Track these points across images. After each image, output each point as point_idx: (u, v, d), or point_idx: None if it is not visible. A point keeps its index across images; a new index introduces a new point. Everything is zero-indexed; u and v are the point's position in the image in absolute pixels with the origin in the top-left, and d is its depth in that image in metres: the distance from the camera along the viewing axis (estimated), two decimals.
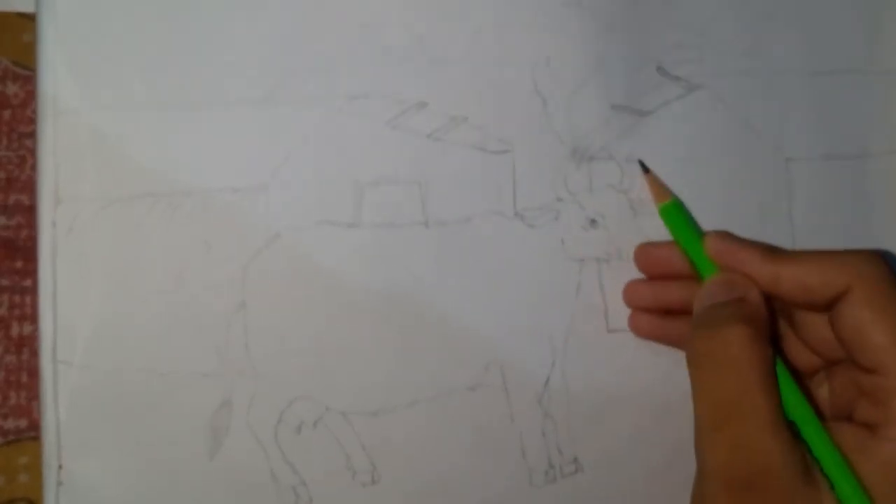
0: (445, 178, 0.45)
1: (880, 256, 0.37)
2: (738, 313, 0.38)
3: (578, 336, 0.45)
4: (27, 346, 0.45)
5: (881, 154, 0.47)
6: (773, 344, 0.38)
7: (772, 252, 0.39)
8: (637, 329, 0.45)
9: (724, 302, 0.39)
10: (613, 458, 0.45)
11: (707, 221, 0.45)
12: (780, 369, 0.38)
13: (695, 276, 0.42)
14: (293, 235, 0.44)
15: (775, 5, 0.47)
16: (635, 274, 0.45)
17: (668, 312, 0.44)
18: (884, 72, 0.47)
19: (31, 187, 0.46)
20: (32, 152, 0.46)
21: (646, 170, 0.45)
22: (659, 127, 0.46)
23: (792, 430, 0.36)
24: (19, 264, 0.46)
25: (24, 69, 0.46)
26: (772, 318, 0.39)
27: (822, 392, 0.41)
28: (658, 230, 0.45)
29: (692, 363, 0.38)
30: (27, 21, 0.46)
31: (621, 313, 0.45)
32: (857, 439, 0.36)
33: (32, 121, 0.46)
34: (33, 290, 0.45)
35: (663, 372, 0.45)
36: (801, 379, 0.41)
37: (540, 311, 0.45)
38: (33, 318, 0.45)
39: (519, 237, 0.45)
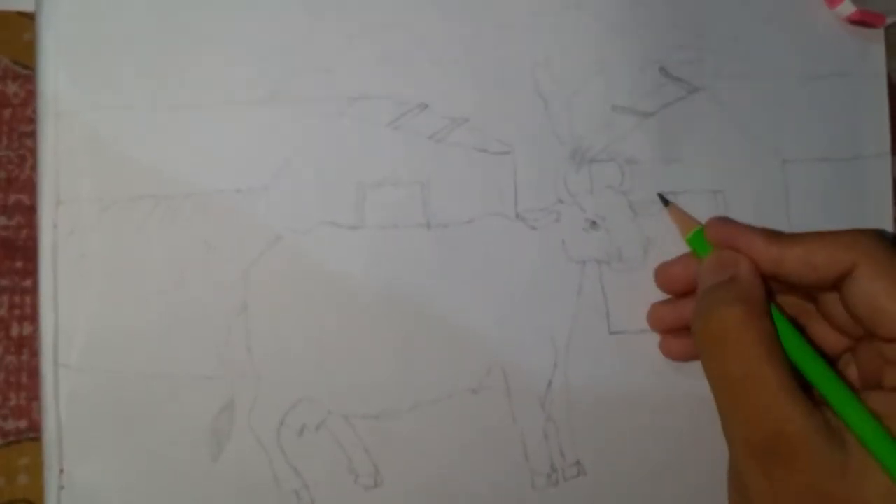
0: (447, 180, 0.45)
1: (881, 232, 0.38)
2: (729, 294, 0.38)
3: (580, 338, 0.45)
4: (27, 346, 0.45)
5: (874, 156, 0.47)
6: (796, 325, 0.40)
7: (774, 234, 0.40)
8: (670, 353, 0.45)
9: (715, 285, 0.39)
10: (616, 460, 0.45)
11: (701, 219, 0.44)
12: (793, 336, 0.38)
13: None
14: (295, 237, 0.44)
15: (772, 9, 0.47)
16: (636, 276, 0.45)
17: None
18: (875, 76, 0.48)
19: (31, 187, 0.46)
20: (33, 152, 0.46)
21: (666, 202, 0.45)
22: (659, 128, 0.46)
23: (812, 397, 0.36)
24: (19, 264, 0.46)
25: (24, 68, 0.46)
26: (770, 293, 0.40)
27: (852, 370, 0.41)
28: (658, 231, 0.45)
29: (698, 349, 0.39)
30: (27, 20, 0.46)
31: (623, 315, 0.45)
32: (888, 403, 0.36)
33: (33, 120, 0.46)
34: (33, 291, 0.45)
35: (665, 373, 0.45)
36: (831, 360, 0.41)
37: (541, 313, 0.45)
38: (33, 318, 0.45)
39: (520, 239, 0.45)
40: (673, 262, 0.44)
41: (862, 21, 0.47)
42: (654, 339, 0.45)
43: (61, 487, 0.42)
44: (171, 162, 0.44)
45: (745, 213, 0.44)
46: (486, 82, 0.46)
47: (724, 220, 0.42)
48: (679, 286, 0.44)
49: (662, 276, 0.44)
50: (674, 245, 0.45)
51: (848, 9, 0.47)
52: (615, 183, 0.45)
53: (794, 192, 0.47)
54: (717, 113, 0.46)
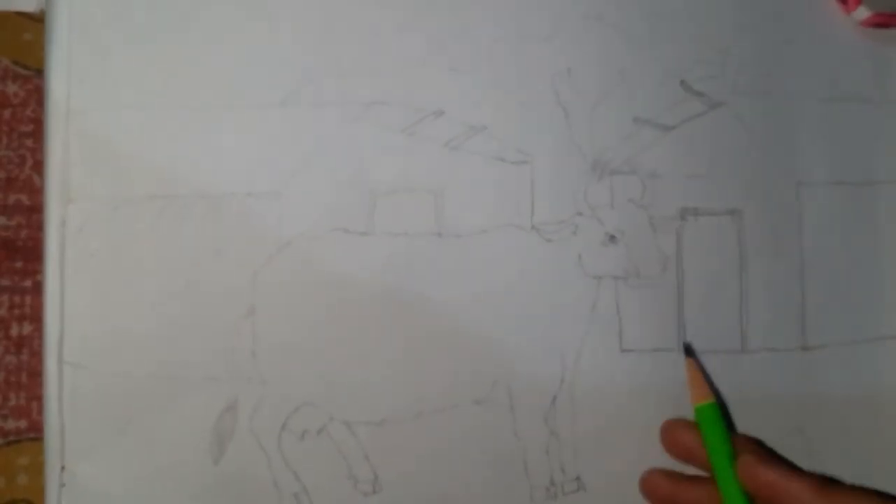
0: (461, 188, 0.46)
1: None
2: None
3: (591, 355, 0.46)
4: (27, 346, 0.46)
5: (888, 182, 0.48)
6: None
7: (826, 485, 0.38)
8: None
9: None
10: (616, 479, 0.46)
11: (719, 238, 0.47)
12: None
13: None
14: (305, 242, 0.46)
15: (795, 30, 0.49)
16: (653, 293, 0.46)
17: None
18: (893, 102, 0.49)
19: (30, 187, 0.46)
20: (32, 152, 0.47)
21: (689, 353, 0.45)
22: (681, 142, 0.47)
23: None
24: (19, 264, 0.47)
25: (24, 69, 0.47)
26: None
27: None
28: (676, 248, 0.46)
29: None
30: (27, 20, 0.47)
31: (636, 333, 0.46)
32: None
33: (32, 120, 0.47)
34: (33, 291, 0.46)
35: (674, 395, 0.46)
36: None
37: (552, 328, 0.46)
38: (33, 318, 0.46)
39: (535, 251, 0.46)
40: (685, 425, 0.44)
41: (879, 23, 0.48)
42: (666, 359, 0.46)
43: (62, 485, 0.44)
44: (182, 163, 0.46)
45: (759, 234, 0.46)
46: (506, 90, 0.47)
47: (761, 458, 0.40)
48: (683, 453, 0.44)
49: (669, 437, 0.44)
50: (693, 263, 0.46)
51: (863, 13, 0.48)
52: (636, 196, 0.47)
53: (809, 215, 0.47)
54: (736, 130, 0.48)
